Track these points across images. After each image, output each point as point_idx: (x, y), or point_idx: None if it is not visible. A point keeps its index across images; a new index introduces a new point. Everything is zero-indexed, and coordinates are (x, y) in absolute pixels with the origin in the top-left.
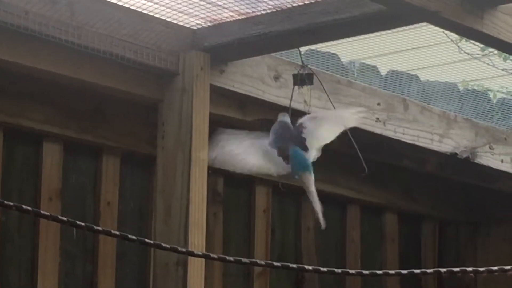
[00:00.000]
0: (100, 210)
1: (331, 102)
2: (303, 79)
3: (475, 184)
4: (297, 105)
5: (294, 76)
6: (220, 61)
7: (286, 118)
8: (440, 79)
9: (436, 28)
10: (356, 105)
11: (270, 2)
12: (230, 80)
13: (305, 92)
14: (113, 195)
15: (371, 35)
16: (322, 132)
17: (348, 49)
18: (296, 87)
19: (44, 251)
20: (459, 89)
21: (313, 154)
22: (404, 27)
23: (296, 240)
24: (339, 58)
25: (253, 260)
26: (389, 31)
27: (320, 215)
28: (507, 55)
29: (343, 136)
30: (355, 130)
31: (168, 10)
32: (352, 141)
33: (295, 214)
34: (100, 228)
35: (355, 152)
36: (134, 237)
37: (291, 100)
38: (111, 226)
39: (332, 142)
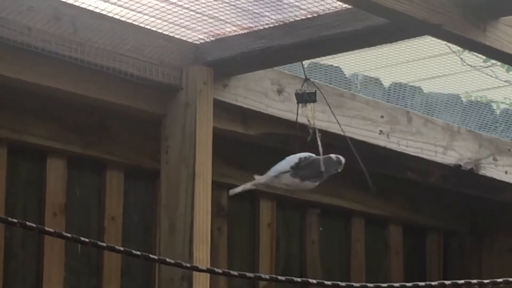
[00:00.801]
0: (104, 225)
1: (334, 116)
2: (305, 97)
3: (479, 196)
4: (303, 119)
5: (297, 95)
6: (223, 75)
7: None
8: (443, 90)
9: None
10: (359, 118)
11: (273, 16)
12: (233, 94)
13: (308, 110)
14: (117, 210)
15: (374, 47)
16: None
17: (351, 61)
18: (300, 104)
19: (48, 266)
20: (462, 100)
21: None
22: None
23: (301, 253)
24: (342, 71)
25: (258, 274)
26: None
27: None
28: (510, 66)
29: (347, 150)
30: (358, 143)
31: (171, 25)
32: (358, 160)
33: (299, 227)
34: (104, 244)
35: (360, 165)
36: (138, 253)
37: (297, 116)
38: (116, 241)
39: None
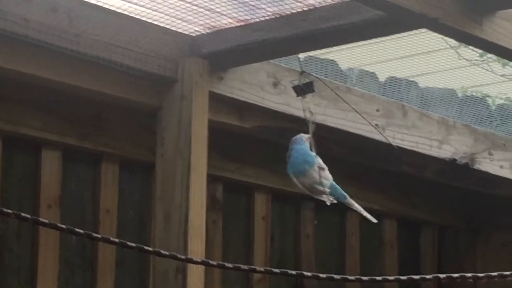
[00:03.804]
0: (99, 218)
1: (342, 99)
2: (303, 89)
3: (475, 190)
4: (296, 111)
5: (294, 88)
6: (219, 67)
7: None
8: (439, 85)
9: (435, 34)
10: (355, 111)
11: (269, 9)
12: (229, 87)
13: (308, 101)
14: (113, 203)
15: (370, 42)
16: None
17: (347, 56)
18: (299, 97)
19: (43, 259)
20: (458, 95)
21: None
22: (403, 34)
23: (296, 246)
24: (337, 64)
25: (252, 266)
26: (388, 38)
27: (365, 213)
28: (506, 61)
29: (342, 143)
30: (354, 137)
31: (167, 17)
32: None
33: (294, 221)
34: (99, 236)
35: (355, 158)
36: (133, 244)
37: (304, 111)
38: (110, 233)
39: (333, 148)
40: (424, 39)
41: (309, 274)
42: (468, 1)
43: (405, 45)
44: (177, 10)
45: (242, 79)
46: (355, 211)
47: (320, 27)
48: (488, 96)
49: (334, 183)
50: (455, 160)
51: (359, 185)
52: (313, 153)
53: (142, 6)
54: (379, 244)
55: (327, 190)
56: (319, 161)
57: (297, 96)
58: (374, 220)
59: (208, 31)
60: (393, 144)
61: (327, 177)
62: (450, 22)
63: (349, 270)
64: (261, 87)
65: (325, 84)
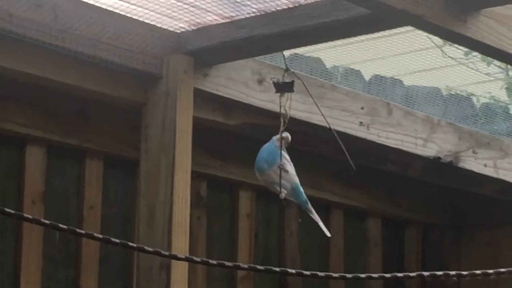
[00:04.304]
0: (83, 214)
1: (317, 106)
2: (282, 87)
3: (459, 189)
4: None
5: (274, 84)
6: (204, 64)
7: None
8: (424, 84)
9: (420, 33)
10: (339, 109)
11: (254, 6)
12: (213, 84)
13: (284, 99)
14: (97, 199)
15: (356, 41)
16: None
17: (333, 55)
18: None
19: (27, 254)
20: (442, 93)
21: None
22: (389, 33)
23: (280, 244)
24: (323, 62)
25: (236, 263)
26: (373, 37)
27: (321, 225)
28: (491, 59)
29: (328, 141)
30: (338, 134)
31: (152, 13)
32: (338, 140)
33: (278, 218)
34: (82, 231)
35: (340, 156)
36: (117, 240)
37: (280, 107)
38: (94, 230)
39: (317, 145)
40: (409, 38)
41: (293, 271)
42: None
43: (390, 44)
44: (162, 7)
45: (227, 76)
46: (340, 209)
47: (305, 24)
48: (473, 94)
49: (299, 187)
50: (439, 158)
51: (343, 183)
52: (280, 154)
53: (127, 2)
54: (363, 242)
55: (283, 194)
56: (285, 162)
57: (276, 92)
58: (328, 234)
59: (193, 28)
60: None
61: (290, 180)
62: (435, 19)
63: (333, 268)
64: (246, 84)
65: (303, 84)
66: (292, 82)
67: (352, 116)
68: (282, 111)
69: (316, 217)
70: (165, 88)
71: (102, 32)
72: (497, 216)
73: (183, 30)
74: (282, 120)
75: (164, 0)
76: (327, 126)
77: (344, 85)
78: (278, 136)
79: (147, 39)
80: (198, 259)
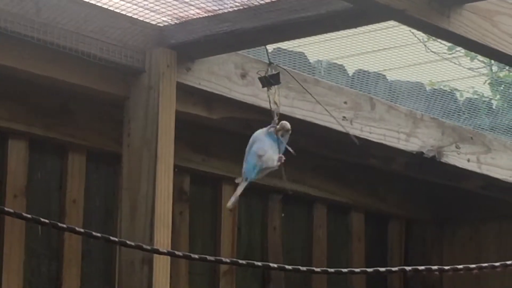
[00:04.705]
0: (65, 208)
1: (308, 93)
2: (269, 80)
3: (442, 183)
4: (264, 103)
5: (260, 79)
6: (187, 58)
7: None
8: (408, 79)
9: (403, 28)
10: (323, 103)
11: (237, 0)
12: (196, 78)
13: (273, 92)
14: (79, 193)
15: (340, 35)
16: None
17: (315, 50)
18: (265, 88)
19: (8, 249)
20: (426, 88)
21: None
22: (372, 28)
23: (263, 239)
24: (306, 57)
25: (219, 258)
26: (357, 32)
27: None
28: (474, 55)
29: (310, 135)
30: (321, 129)
31: (135, 7)
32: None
33: (261, 213)
34: (64, 225)
35: (323, 151)
36: (98, 235)
37: (269, 101)
38: (77, 224)
39: (300, 140)
40: (392, 34)
41: (275, 265)
42: None
43: (373, 39)
44: (145, 0)
45: (210, 70)
46: (323, 204)
47: (288, 18)
48: (456, 89)
49: (255, 168)
50: (422, 153)
51: (326, 177)
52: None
53: None
54: (346, 236)
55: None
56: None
57: (263, 87)
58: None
59: (176, 21)
60: (355, 139)
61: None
62: (417, 14)
63: (316, 262)
64: (229, 78)
65: (291, 76)
66: (278, 73)
67: (335, 110)
68: (272, 104)
69: (237, 192)
70: (147, 82)
71: (85, 25)
72: (480, 211)
73: (166, 23)
74: (275, 114)
75: None
76: (310, 120)
77: (327, 79)
78: (264, 129)
79: (129, 32)
80: (180, 254)
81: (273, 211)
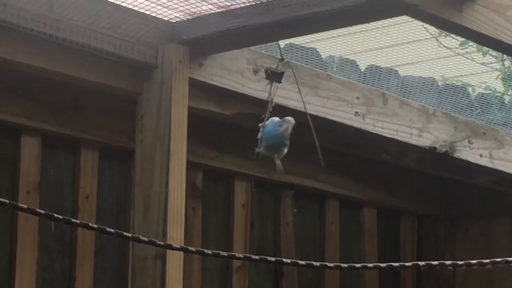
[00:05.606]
0: (78, 204)
1: (302, 98)
2: (272, 75)
3: (454, 179)
4: (277, 99)
5: (266, 70)
6: (199, 54)
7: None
8: (420, 74)
9: (416, 24)
10: (335, 99)
11: None
12: (209, 74)
13: (273, 86)
14: (92, 189)
15: (352, 31)
16: None
17: (328, 46)
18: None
19: (22, 245)
20: (438, 84)
21: None
22: (384, 24)
23: (275, 234)
24: (318, 52)
25: (232, 253)
26: (369, 28)
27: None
28: (487, 49)
29: (323, 131)
30: (333, 124)
31: (147, 2)
32: (312, 130)
33: (274, 209)
34: (78, 221)
35: (335, 146)
36: (112, 230)
37: (272, 95)
38: (90, 220)
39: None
40: (405, 29)
41: (288, 261)
42: None
43: (385, 35)
44: None
45: (222, 66)
46: (335, 199)
47: (301, 13)
48: (469, 84)
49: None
50: (435, 148)
51: (338, 173)
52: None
53: None
54: (358, 232)
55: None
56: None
57: (265, 78)
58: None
59: (188, 17)
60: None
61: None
62: (430, 8)
63: (328, 258)
64: (241, 74)
65: (293, 73)
66: (282, 73)
67: (347, 106)
68: (269, 99)
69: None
70: (160, 77)
71: (97, 21)
72: (492, 206)
73: (178, 19)
74: (268, 106)
75: None
76: (322, 116)
77: (339, 75)
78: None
79: (142, 28)
80: (193, 249)
81: (286, 207)
